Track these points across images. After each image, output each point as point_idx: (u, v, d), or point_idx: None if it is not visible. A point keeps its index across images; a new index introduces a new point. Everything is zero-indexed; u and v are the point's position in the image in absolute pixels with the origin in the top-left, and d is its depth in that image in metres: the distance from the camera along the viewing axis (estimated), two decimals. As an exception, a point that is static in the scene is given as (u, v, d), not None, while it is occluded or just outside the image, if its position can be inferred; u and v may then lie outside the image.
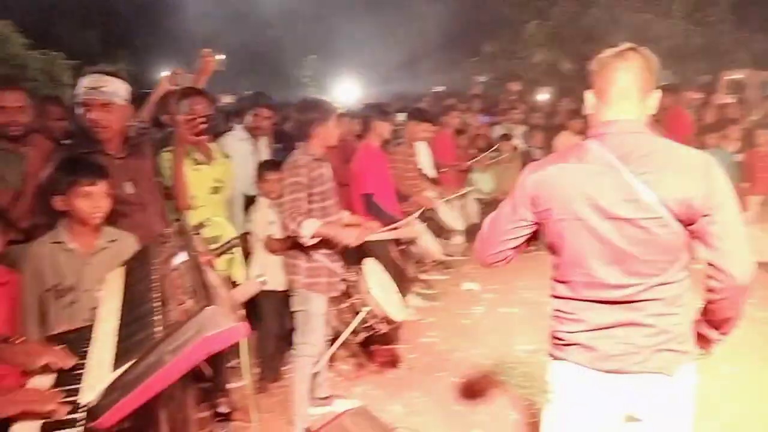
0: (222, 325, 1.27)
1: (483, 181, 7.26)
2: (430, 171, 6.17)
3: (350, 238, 3.36)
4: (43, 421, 1.52)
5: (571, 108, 8.62)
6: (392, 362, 4.49)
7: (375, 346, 4.55)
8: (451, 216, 5.96)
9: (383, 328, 3.55)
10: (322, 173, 3.42)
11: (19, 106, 3.04)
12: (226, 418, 1.40)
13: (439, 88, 14.10)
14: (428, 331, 5.11)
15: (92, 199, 2.46)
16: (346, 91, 17.96)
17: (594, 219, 1.77)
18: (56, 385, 1.69)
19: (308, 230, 3.23)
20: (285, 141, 4.82)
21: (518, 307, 5.48)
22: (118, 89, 2.84)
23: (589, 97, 1.93)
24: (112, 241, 2.56)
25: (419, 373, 4.33)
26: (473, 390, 4.02)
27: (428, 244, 5.01)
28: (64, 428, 1.48)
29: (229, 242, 2.10)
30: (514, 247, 1.97)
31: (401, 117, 6.42)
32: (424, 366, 4.44)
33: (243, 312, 1.56)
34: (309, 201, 3.34)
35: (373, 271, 3.62)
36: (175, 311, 1.42)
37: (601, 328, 1.82)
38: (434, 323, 5.29)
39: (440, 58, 20.24)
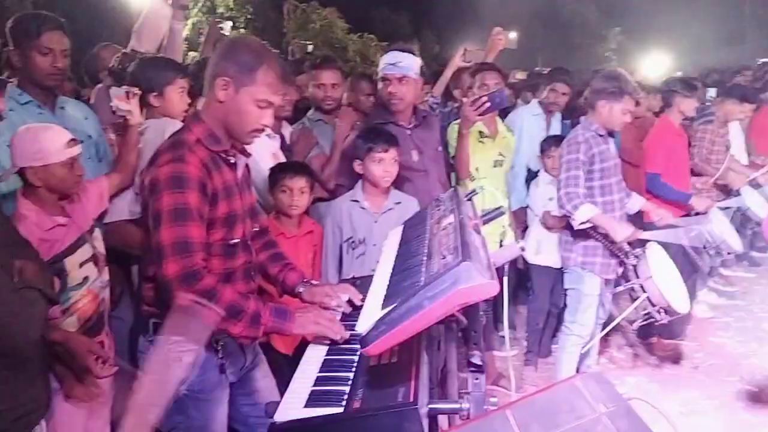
0: (475, 280, 1.37)
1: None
2: (742, 155, 5.44)
3: (623, 234, 3.18)
4: (330, 344, 1.84)
5: None
6: (673, 358, 4.17)
7: (656, 337, 4.27)
8: (760, 203, 5.18)
9: (663, 319, 3.32)
10: (604, 150, 3.28)
11: (333, 83, 3.50)
12: (479, 370, 1.47)
13: (766, 60, 12.17)
14: (721, 331, 4.62)
15: (383, 164, 2.76)
16: (653, 65, 16.63)
17: None
18: (342, 318, 2.00)
19: (582, 215, 3.16)
20: (576, 117, 4.72)
21: None
22: (411, 65, 3.07)
23: None
24: (398, 203, 2.85)
25: (703, 374, 3.95)
26: (766, 400, 3.54)
27: (727, 233, 4.46)
28: (345, 354, 1.76)
29: (496, 210, 2.18)
30: None
31: (712, 93, 5.79)
32: (711, 367, 4.04)
33: (503, 277, 1.65)
34: (588, 178, 3.25)
35: (656, 256, 3.38)
36: (437, 264, 1.56)
37: None
38: (730, 323, 4.75)
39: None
